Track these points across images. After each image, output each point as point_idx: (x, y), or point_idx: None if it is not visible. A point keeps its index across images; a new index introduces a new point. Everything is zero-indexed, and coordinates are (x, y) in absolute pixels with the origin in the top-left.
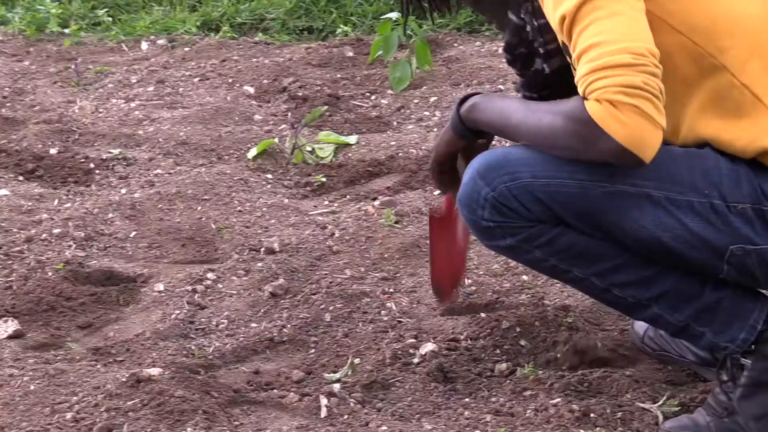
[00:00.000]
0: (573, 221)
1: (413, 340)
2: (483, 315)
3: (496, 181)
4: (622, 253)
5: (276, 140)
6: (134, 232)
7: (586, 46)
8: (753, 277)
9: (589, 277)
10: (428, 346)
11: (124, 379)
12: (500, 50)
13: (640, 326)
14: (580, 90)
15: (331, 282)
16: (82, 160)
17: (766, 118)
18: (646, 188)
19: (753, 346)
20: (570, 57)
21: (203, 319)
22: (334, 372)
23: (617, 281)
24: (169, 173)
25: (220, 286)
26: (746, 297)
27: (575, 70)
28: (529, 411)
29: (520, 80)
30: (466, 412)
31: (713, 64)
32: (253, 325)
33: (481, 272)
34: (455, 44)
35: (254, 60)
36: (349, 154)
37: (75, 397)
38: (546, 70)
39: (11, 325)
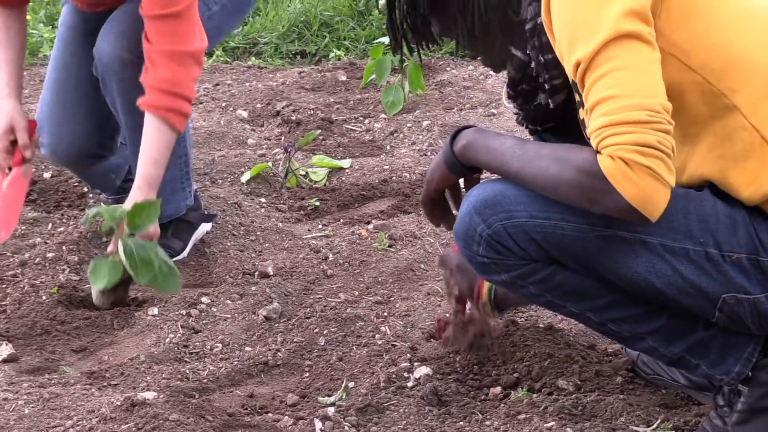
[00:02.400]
0: (567, 262)
1: (407, 364)
2: (478, 338)
3: (491, 219)
4: (614, 292)
5: (269, 164)
6: None
7: (600, 98)
8: (744, 324)
9: (584, 312)
10: (422, 370)
11: (118, 403)
12: (492, 73)
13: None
14: (593, 143)
15: (325, 306)
16: (76, 183)
17: None
18: (642, 234)
19: (749, 373)
20: (579, 96)
21: (197, 343)
22: (329, 396)
23: (611, 317)
24: None
25: (215, 309)
26: (740, 332)
27: (586, 119)
28: None
29: (521, 113)
30: None
31: (725, 104)
32: (248, 348)
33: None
34: (448, 68)
35: (247, 84)
36: (343, 178)
37: (69, 421)
38: (550, 105)
39: (5, 349)
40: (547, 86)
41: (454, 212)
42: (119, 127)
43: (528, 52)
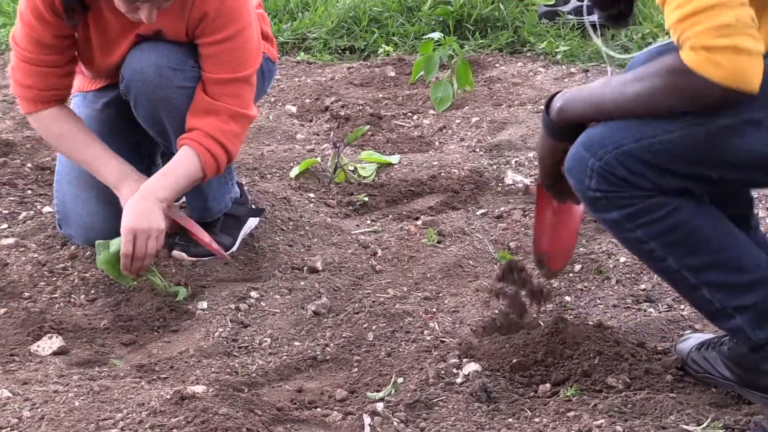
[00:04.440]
0: (683, 172)
1: (456, 360)
2: (526, 335)
3: (601, 152)
4: (722, 250)
5: (318, 159)
6: None
7: None
8: None
9: (682, 270)
10: (471, 366)
11: (168, 397)
12: (542, 69)
13: (683, 348)
14: (673, 39)
15: (373, 301)
16: None
17: None
18: (744, 114)
19: None
20: None
21: (246, 337)
22: (378, 391)
23: (709, 280)
24: None
25: (263, 304)
26: None
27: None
28: None
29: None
30: None
31: None
32: (296, 343)
33: (524, 293)
34: (497, 65)
35: (296, 79)
36: (391, 174)
37: (120, 414)
38: None
39: (56, 342)
40: None
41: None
42: None
43: None
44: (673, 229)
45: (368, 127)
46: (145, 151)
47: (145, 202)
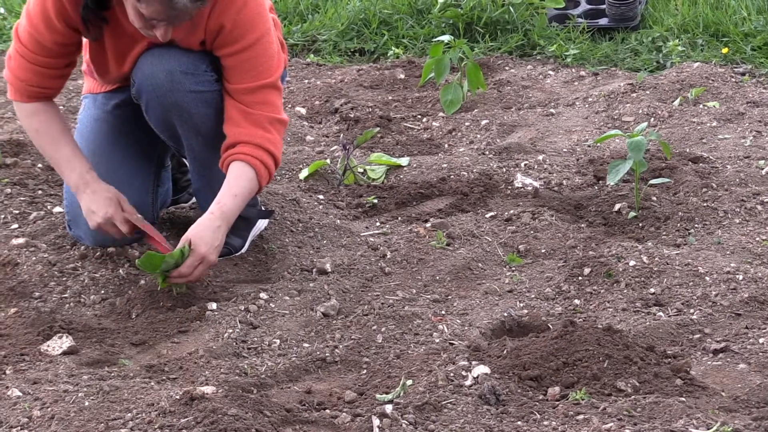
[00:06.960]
0: None
1: (465, 363)
2: (536, 338)
3: None
4: None
5: (328, 161)
6: None
7: None
8: None
9: None
10: (480, 369)
11: (177, 397)
12: (551, 72)
13: None
14: None
15: (383, 303)
16: None
17: None
18: None
19: None
20: None
21: (255, 339)
22: (387, 393)
23: None
24: None
25: (273, 305)
26: None
27: None
28: None
29: None
30: None
31: None
32: (306, 345)
33: (533, 296)
34: (506, 67)
35: (306, 81)
36: (401, 176)
37: (129, 414)
38: None
39: (66, 342)
40: None
41: None
42: (160, 197)
43: None
44: None
45: (378, 129)
46: (154, 153)
47: (221, 234)
